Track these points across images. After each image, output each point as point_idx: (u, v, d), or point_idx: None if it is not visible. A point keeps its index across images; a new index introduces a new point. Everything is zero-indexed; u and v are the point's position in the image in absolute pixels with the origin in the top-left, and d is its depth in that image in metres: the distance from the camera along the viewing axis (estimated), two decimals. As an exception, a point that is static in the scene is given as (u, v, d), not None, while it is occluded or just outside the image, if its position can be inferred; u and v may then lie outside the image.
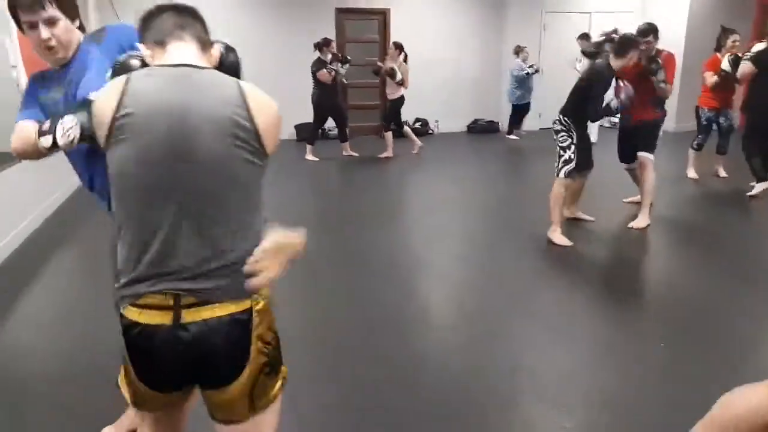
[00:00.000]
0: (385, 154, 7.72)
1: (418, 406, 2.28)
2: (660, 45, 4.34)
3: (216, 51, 1.35)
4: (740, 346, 2.79)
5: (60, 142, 1.48)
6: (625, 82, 4.05)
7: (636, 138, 4.49)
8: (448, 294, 3.49)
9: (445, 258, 4.05)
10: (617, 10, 9.82)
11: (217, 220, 1.18)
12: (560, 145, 4.12)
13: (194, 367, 1.20)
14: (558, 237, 4.14)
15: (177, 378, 1.22)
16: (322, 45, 7.36)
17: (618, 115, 4.58)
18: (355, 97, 9.47)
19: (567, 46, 8.77)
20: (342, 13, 9.27)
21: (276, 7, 8.82)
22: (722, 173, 6.22)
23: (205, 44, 1.32)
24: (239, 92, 1.20)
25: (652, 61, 4.23)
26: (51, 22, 1.64)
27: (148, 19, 1.30)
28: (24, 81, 3.96)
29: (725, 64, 5.57)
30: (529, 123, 9.68)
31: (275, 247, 1.24)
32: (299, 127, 8.89)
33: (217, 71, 1.28)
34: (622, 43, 4.03)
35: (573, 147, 4.08)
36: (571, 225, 4.49)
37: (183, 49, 1.26)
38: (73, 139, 1.48)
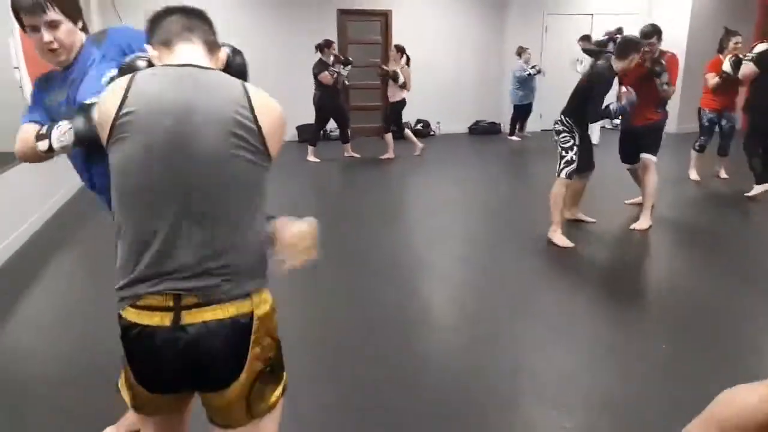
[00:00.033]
0: (386, 156, 7.71)
1: (418, 406, 2.27)
2: (662, 46, 4.34)
3: (223, 54, 1.35)
4: (741, 346, 2.79)
5: (55, 146, 1.50)
6: (629, 88, 4.04)
7: (639, 139, 4.49)
8: (448, 294, 3.49)
9: (446, 259, 4.04)
10: (620, 12, 9.80)
11: (218, 219, 1.18)
12: (562, 145, 4.12)
13: (192, 369, 1.19)
14: (558, 237, 4.13)
15: (175, 380, 1.22)
16: (323, 46, 7.35)
17: (618, 118, 4.58)
18: (356, 98, 9.48)
19: (568, 48, 8.76)
20: (344, 14, 9.28)
21: (277, 7, 8.83)
22: (723, 175, 6.23)
23: (213, 46, 1.31)
24: (244, 93, 1.20)
25: (655, 62, 4.23)
26: (53, 25, 1.64)
27: (156, 20, 1.29)
28: (26, 82, 3.98)
29: (726, 66, 5.57)
30: (531, 124, 9.69)
31: (296, 235, 1.28)
32: (301, 129, 8.90)
33: (222, 72, 1.28)
34: (624, 45, 4.02)
35: (575, 148, 4.08)
36: (573, 226, 4.49)
37: (190, 51, 1.26)
38: (67, 144, 1.50)
